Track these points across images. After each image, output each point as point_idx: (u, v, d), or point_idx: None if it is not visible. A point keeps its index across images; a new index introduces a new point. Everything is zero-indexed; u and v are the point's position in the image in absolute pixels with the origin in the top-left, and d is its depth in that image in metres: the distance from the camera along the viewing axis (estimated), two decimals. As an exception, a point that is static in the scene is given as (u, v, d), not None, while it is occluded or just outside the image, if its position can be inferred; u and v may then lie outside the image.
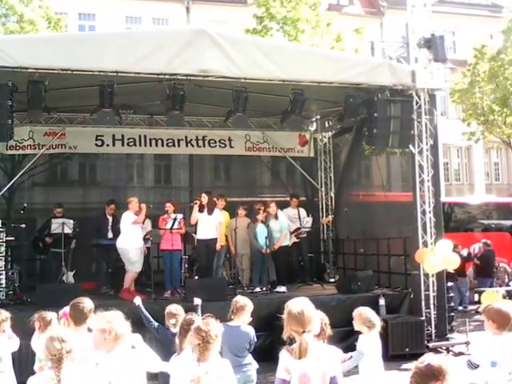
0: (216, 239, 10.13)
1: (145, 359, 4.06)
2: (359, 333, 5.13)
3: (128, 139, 12.75)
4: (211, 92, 10.10)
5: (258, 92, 9.93)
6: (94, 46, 8.32)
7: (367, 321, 5.05)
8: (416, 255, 9.45)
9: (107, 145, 12.63)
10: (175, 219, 9.99)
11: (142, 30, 20.30)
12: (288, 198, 12.33)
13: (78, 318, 4.59)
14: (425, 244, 9.57)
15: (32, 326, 5.24)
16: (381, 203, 12.51)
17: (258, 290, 10.23)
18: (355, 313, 5.15)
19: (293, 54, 9.34)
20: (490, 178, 29.08)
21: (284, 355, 3.49)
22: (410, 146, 9.77)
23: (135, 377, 3.80)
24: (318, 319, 3.64)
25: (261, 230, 10.52)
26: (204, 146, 13.24)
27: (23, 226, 10.54)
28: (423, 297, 9.51)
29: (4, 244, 9.57)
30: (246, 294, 8.53)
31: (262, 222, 10.59)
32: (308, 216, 11.77)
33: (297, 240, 11.56)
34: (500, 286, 14.17)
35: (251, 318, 5.32)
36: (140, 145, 12.87)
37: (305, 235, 11.73)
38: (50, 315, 5.18)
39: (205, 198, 10.12)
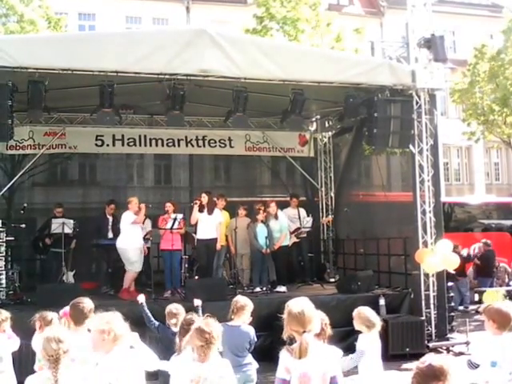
0: (216, 239, 10.13)
1: (143, 359, 4.06)
2: (359, 333, 5.13)
3: (128, 139, 12.75)
4: (211, 92, 10.10)
5: (258, 92, 9.92)
6: (94, 45, 8.32)
7: (367, 320, 5.05)
8: (416, 255, 9.45)
9: (107, 145, 12.62)
10: (175, 219, 10.00)
11: (142, 29, 20.31)
12: (288, 198, 12.32)
13: (78, 317, 4.59)
14: (425, 244, 9.56)
15: (32, 325, 5.23)
16: (381, 203, 12.49)
17: (258, 289, 10.23)
18: (355, 312, 5.14)
19: (293, 53, 9.34)
20: (490, 178, 29.08)
21: (284, 355, 3.49)
22: (410, 146, 9.77)
23: (134, 377, 3.80)
24: (318, 319, 3.64)
25: (261, 230, 10.52)
26: (204, 145, 13.24)
27: (23, 225, 10.54)
28: (423, 297, 9.50)
29: (4, 244, 9.57)
30: (246, 293, 8.51)
31: (262, 221, 10.59)
32: (308, 216, 11.76)
33: (297, 240, 11.56)
34: (500, 285, 14.19)
35: (251, 318, 5.32)
36: (140, 145, 12.87)
37: (305, 235, 11.72)
38: (50, 315, 5.17)
39: (205, 198, 10.13)
